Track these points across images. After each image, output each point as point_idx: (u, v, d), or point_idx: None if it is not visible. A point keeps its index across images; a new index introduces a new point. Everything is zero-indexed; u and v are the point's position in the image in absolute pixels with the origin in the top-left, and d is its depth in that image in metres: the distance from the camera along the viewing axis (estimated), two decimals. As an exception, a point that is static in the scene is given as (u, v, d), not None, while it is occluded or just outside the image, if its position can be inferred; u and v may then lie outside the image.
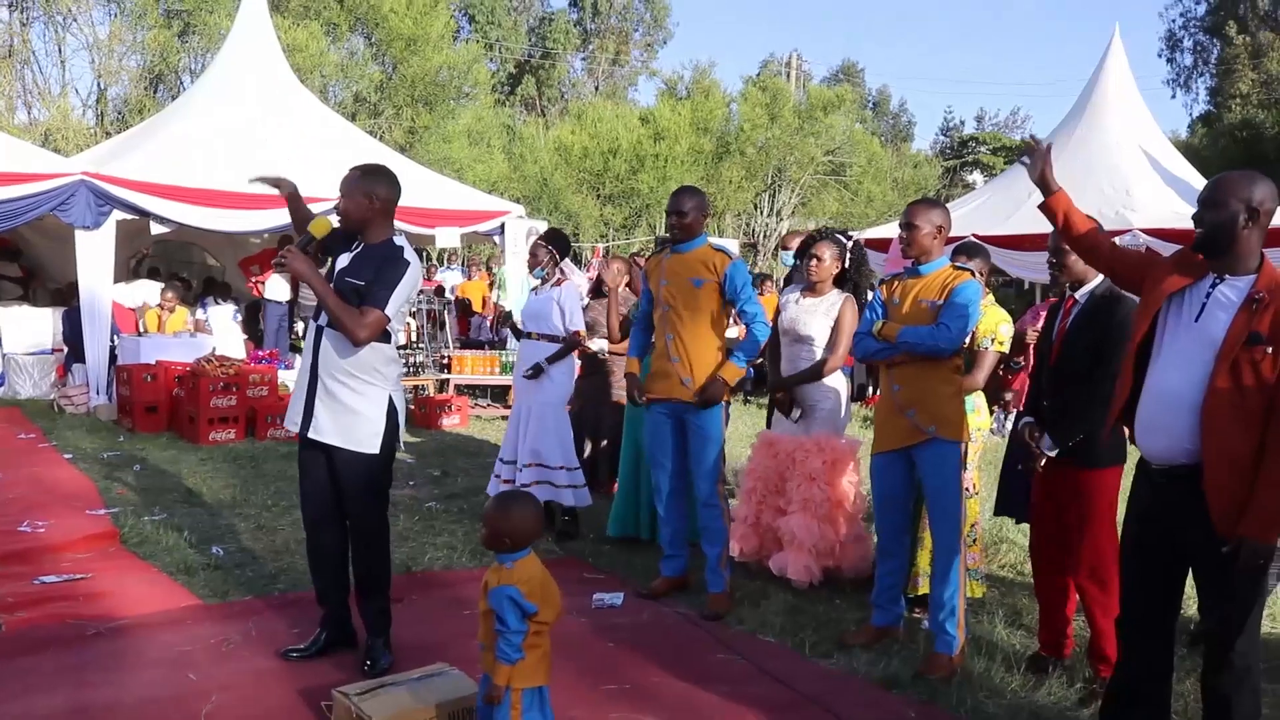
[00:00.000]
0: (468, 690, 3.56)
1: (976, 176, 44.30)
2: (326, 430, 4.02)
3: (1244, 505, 3.07)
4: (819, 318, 5.42)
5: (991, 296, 5.30)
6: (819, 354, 5.41)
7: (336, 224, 4.17)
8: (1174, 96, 47.04)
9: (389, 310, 3.96)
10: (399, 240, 4.11)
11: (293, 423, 4.13)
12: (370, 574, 4.19)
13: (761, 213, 33.77)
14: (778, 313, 5.72)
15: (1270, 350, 3.05)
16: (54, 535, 5.85)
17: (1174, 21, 37.40)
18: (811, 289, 5.51)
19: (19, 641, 4.35)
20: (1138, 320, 3.44)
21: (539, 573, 3.28)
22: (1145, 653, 3.47)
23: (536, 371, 6.19)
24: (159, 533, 6.01)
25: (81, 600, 4.88)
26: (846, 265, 5.56)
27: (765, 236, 33.43)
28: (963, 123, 52.76)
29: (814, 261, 5.45)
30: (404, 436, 4.33)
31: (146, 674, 4.07)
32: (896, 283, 4.58)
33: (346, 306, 3.91)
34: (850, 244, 5.65)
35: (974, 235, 13.47)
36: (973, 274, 4.47)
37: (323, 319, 4.04)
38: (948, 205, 6.37)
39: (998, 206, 15.38)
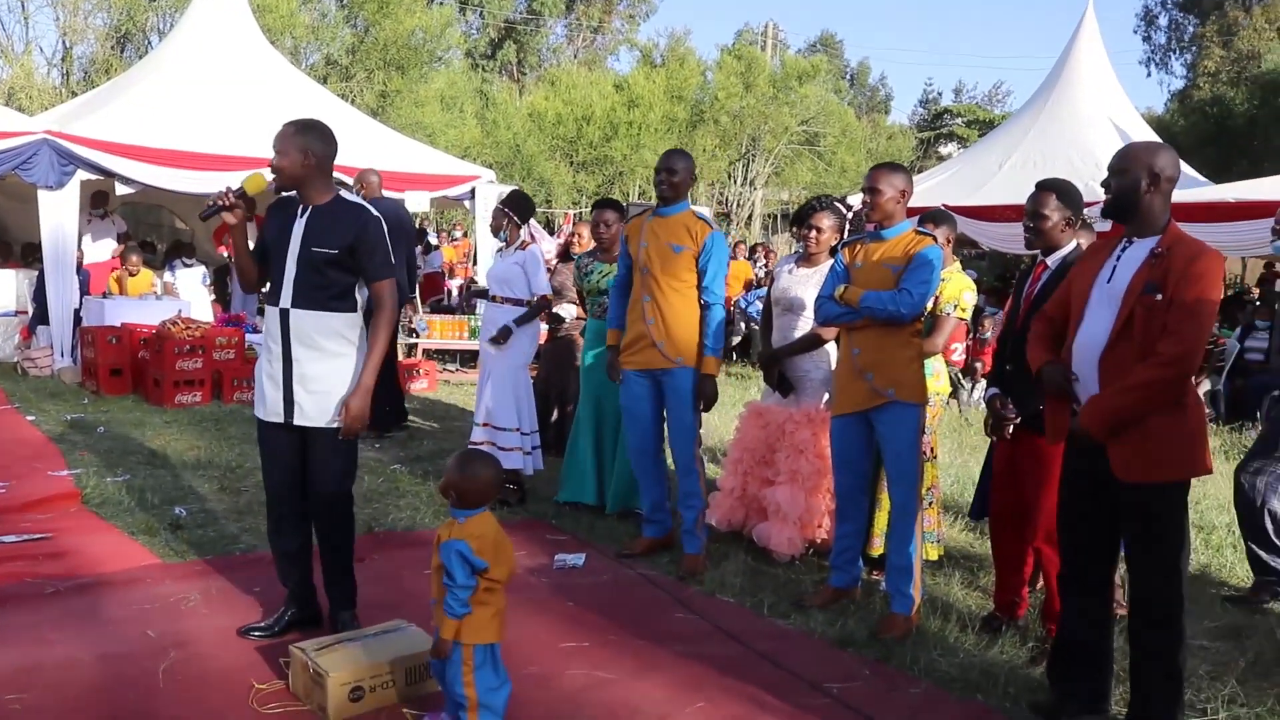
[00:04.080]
0: (423, 646, 3.58)
1: (952, 149, 44.34)
2: (311, 414, 3.93)
3: (1140, 449, 3.29)
4: (811, 288, 5.28)
5: (958, 264, 5.33)
6: (809, 324, 5.31)
7: (270, 180, 4.01)
8: (1149, 75, 47.08)
9: (393, 269, 3.95)
10: (347, 195, 4.00)
11: (274, 414, 3.97)
12: (335, 551, 4.08)
13: (735, 182, 33.72)
14: (751, 284, 5.72)
15: (1161, 298, 3.27)
16: (14, 496, 5.82)
17: (1149, -2, 37.47)
18: (807, 259, 5.45)
19: (-23, 599, 4.34)
20: (1060, 296, 3.72)
21: (492, 530, 3.29)
22: (1083, 607, 3.60)
23: (505, 335, 6.17)
24: (121, 494, 5.98)
25: (41, 560, 4.87)
26: (845, 235, 5.46)
27: (739, 205, 33.40)
28: (939, 95, 52.74)
29: (813, 233, 5.37)
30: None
31: (105, 631, 4.07)
32: (859, 246, 4.60)
33: (386, 313, 3.91)
34: (850, 214, 5.62)
35: (944, 205, 13.55)
36: (934, 239, 4.49)
37: (284, 301, 3.91)
38: (920, 175, 6.38)
39: (968, 177, 15.44)
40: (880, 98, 54.05)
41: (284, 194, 4.02)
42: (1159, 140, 3.52)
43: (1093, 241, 4.22)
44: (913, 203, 11.75)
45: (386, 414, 7.89)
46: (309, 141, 3.89)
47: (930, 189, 15.24)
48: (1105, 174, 3.51)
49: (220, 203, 3.92)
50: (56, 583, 4.55)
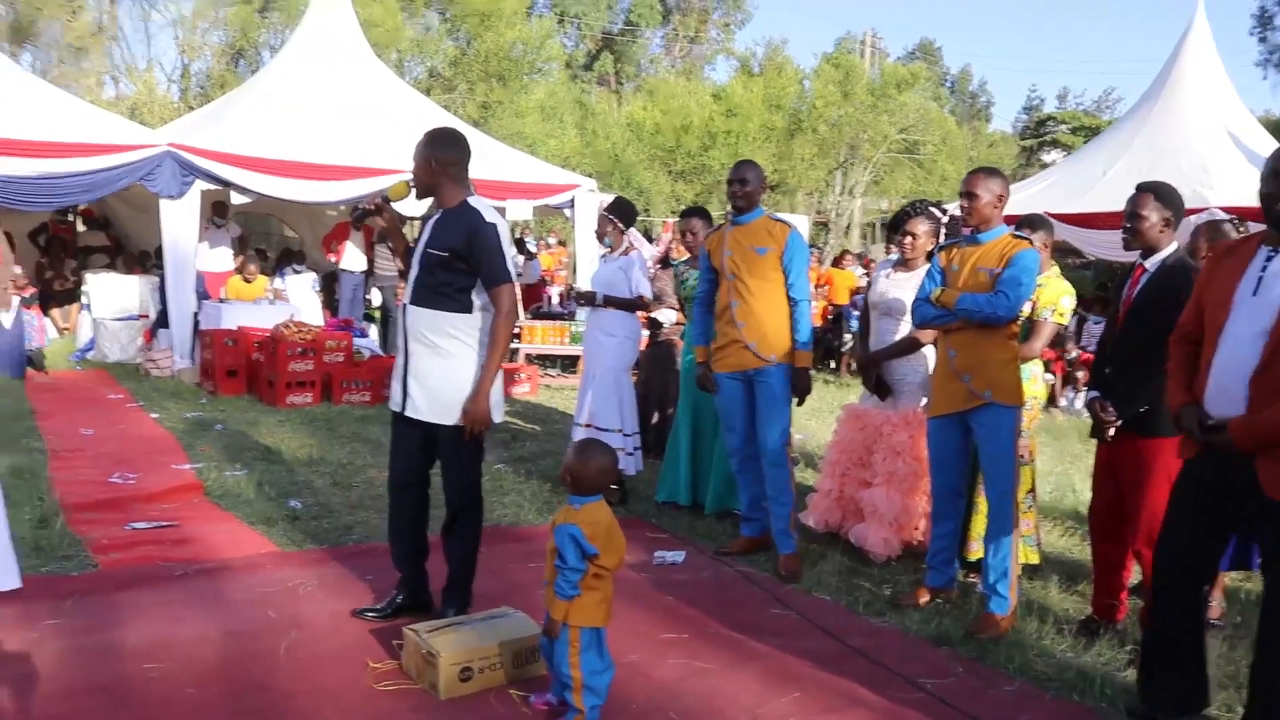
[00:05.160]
0: (530, 631, 3.74)
1: (1055, 156, 43.46)
2: (422, 408, 4.14)
3: None
4: (909, 292, 5.32)
5: (1056, 269, 5.32)
6: (907, 328, 5.37)
7: (412, 188, 4.33)
8: (1265, 77, 45.51)
9: (511, 275, 4.09)
10: (473, 201, 4.14)
11: (395, 404, 4.25)
12: (460, 551, 4.30)
13: (834, 190, 33.57)
14: (856, 292, 5.78)
15: None
16: (143, 486, 6.16)
17: (1265, -3, 36.27)
18: (904, 264, 5.52)
19: (113, 579, 4.63)
20: (1193, 309, 3.57)
21: (605, 519, 3.44)
22: (1181, 608, 3.55)
23: (589, 298, 6.39)
24: (240, 486, 6.29)
25: (169, 545, 5.16)
26: (940, 240, 5.49)
27: (837, 215, 33.23)
28: (1043, 101, 51.69)
29: (908, 239, 5.46)
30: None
31: (230, 611, 4.31)
32: (955, 250, 4.64)
33: (502, 316, 4.07)
34: (946, 218, 5.66)
35: (1045, 213, 13.34)
36: (1030, 243, 4.51)
37: (407, 298, 4.17)
38: (1022, 183, 6.37)
39: (1071, 184, 15.17)
40: (981, 104, 53.25)
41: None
42: None
43: (1216, 246, 4.15)
44: (1014, 210, 11.58)
45: None
46: (434, 150, 4.14)
47: (1032, 196, 15.00)
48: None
49: (368, 207, 4.37)
50: (184, 566, 4.83)
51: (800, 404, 5.29)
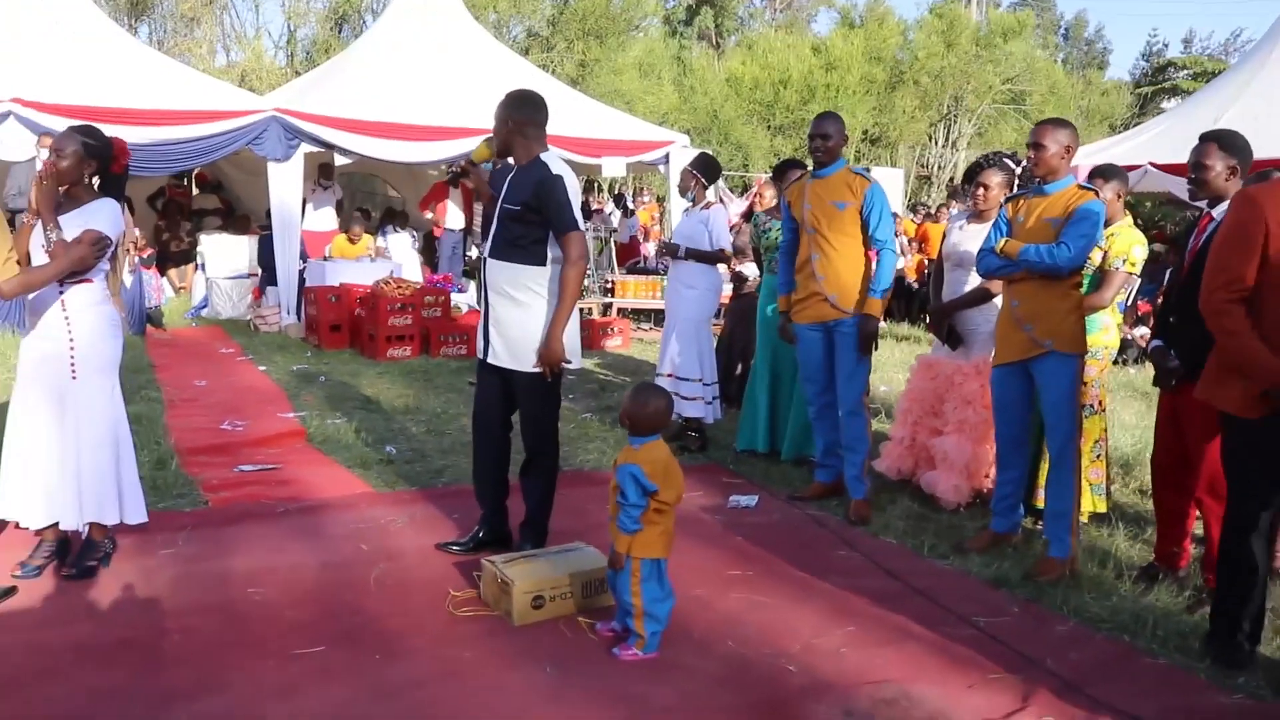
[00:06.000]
0: (600, 564, 3.98)
1: (1174, 104, 41.91)
2: (501, 355, 4.39)
3: None
4: (981, 244, 5.44)
5: (1129, 218, 5.32)
6: (979, 279, 5.38)
7: (493, 149, 4.55)
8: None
9: (579, 224, 4.30)
10: (544, 156, 4.33)
11: (480, 352, 4.52)
12: (536, 491, 4.54)
13: (936, 144, 33.01)
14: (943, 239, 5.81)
15: None
16: (251, 432, 6.58)
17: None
18: (978, 216, 5.56)
19: (222, 515, 5.02)
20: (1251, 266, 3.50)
21: (664, 457, 3.65)
22: (1250, 552, 3.61)
23: (672, 250, 6.62)
24: (340, 433, 6.66)
25: (273, 485, 5.55)
26: (1015, 191, 5.49)
27: (939, 168, 32.69)
28: (1166, 45, 49.76)
29: (981, 190, 5.52)
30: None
31: (326, 544, 4.66)
32: (1023, 201, 4.70)
33: (573, 263, 4.27)
34: (1020, 169, 5.68)
35: (1150, 164, 13.02)
36: (1096, 194, 4.54)
37: (486, 251, 4.40)
38: (1127, 133, 6.29)
39: (1179, 134, 14.68)
40: (1098, 52, 51.51)
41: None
42: None
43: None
44: (1118, 161, 11.21)
45: None
46: (510, 111, 4.36)
47: (1137, 146, 14.59)
48: None
49: (456, 170, 4.72)
50: (286, 504, 5.20)
51: (865, 352, 5.36)
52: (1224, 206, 4.22)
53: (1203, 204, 4.38)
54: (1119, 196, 5.25)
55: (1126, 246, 5.11)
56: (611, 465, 3.72)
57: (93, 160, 4.11)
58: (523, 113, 4.36)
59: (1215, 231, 4.22)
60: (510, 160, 4.47)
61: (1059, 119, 4.76)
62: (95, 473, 4.11)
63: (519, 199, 4.27)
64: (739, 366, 7.97)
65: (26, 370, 4.11)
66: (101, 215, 4.07)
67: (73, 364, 4.04)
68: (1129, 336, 10.17)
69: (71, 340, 4.04)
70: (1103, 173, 5.30)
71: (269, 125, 10.67)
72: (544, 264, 4.34)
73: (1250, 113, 13.61)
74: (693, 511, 5.28)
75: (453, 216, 13.75)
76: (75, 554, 4.27)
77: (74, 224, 4.00)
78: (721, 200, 6.97)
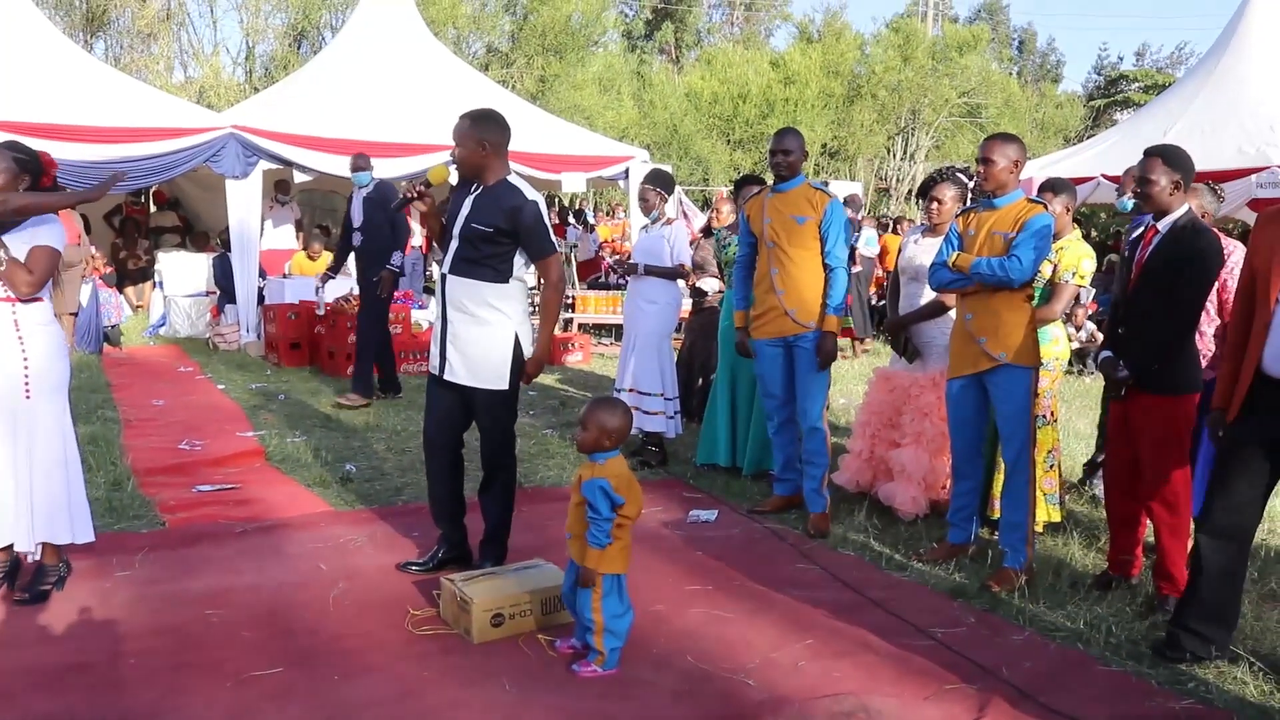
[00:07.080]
0: (559, 581, 3.98)
1: (1126, 116, 42.53)
2: (459, 372, 4.38)
3: None
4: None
5: (1077, 232, 5.41)
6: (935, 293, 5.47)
7: (453, 171, 4.51)
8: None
9: (555, 246, 4.37)
10: (513, 180, 4.34)
11: (434, 368, 4.49)
12: (495, 510, 4.56)
13: (894, 156, 33.33)
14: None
15: None
16: (209, 452, 6.55)
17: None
18: (932, 229, 5.64)
19: (180, 536, 4.99)
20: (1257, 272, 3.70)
21: (625, 471, 3.69)
22: (1223, 553, 3.73)
23: (632, 269, 6.66)
24: (299, 452, 6.63)
25: (232, 505, 5.51)
26: (968, 204, 5.58)
27: (898, 180, 33.00)
28: (1121, 59, 50.48)
29: (934, 205, 5.61)
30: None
31: (284, 564, 4.64)
32: (973, 215, 4.77)
33: (552, 285, 4.41)
34: (971, 183, 5.76)
35: (1103, 175, 13.22)
36: (1045, 207, 4.62)
37: (445, 268, 4.37)
38: (1081, 144, 6.41)
39: (1130, 146, 14.94)
40: (1050, 64, 52.22)
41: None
42: None
43: (1269, 211, 4.24)
44: (1071, 173, 11.41)
45: (380, 381, 8.46)
46: (484, 132, 4.30)
47: (1089, 159, 14.82)
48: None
49: (410, 194, 4.46)
50: (245, 524, 5.17)
51: (823, 368, 5.42)
52: (1169, 219, 4.32)
53: (1147, 217, 4.46)
54: (1067, 210, 5.35)
55: (1076, 260, 5.20)
56: (573, 481, 3.73)
57: (25, 175, 4.06)
58: (496, 133, 4.33)
59: (1160, 244, 4.32)
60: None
61: (1007, 134, 4.84)
62: (47, 493, 4.07)
63: (490, 221, 4.25)
64: (699, 381, 8.02)
65: (-24, 391, 4.06)
66: (45, 231, 4.04)
67: (26, 384, 4.00)
68: (1081, 333, 10.26)
69: (26, 360, 4.00)
70: (1051, 186, 5.39)
71: (227, 142, 10.63)
72: (506, 280, 4.36)
73: (1197, 125, 13.88)
74: (653, 527, 5.30)
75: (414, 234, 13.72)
76: (29, 578, 4.22)
77: (19, 241, 3.96)
78: (685, 214, 7.02)
